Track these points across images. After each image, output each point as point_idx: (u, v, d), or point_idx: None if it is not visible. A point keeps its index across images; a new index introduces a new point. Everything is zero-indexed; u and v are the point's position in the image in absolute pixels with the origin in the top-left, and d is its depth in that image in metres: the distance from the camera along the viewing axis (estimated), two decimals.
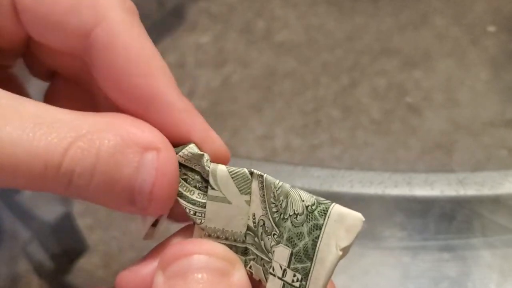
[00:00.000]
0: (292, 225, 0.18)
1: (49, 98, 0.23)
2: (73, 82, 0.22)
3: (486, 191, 0.40)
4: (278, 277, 0.19)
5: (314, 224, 0.18)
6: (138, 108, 0.19)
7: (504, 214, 0.40)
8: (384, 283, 0.40)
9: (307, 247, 0.18)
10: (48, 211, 0.55)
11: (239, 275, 0.19)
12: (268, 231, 0.19)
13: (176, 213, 0.20)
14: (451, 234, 0.40)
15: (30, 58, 0.23)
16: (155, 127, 0.19)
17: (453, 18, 0.79)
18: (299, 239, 0.18)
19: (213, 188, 0.19)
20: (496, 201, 0.40)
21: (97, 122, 0.18)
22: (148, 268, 0.20)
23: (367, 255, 0.41)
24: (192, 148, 0.20)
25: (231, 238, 0.20)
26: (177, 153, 0.19)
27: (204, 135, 0.20)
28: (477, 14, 0.79)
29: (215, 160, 0.20)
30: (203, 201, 0.20)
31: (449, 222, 0.40)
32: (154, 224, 0.21)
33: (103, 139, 0.17)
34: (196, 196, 0.20)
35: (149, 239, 0.21)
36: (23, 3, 0.19)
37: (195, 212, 0.20)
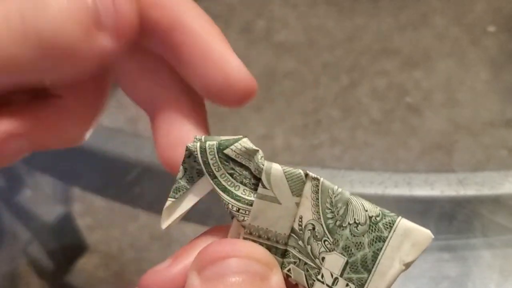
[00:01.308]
0: (351, 234, 0.18)
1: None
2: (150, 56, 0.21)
3: (486, 191, 0.40)
4: (327, 285, 0.18)
5: (377, 236, 0.17)
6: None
7: (504, 214, 0.40)
8: None
9: (366, 258, 0.18)
10: (48, 211, 0.55)
11: (277, 279, 0.18)
12: (319, 237, 0.18)
13: None
14: (451, 234, 0.40)
15: None
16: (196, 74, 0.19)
17: (453, 18, 0.79)
18: (357, 249, 0.18)
19: (264, 187, 0.19)
20: (496, 201, 0.40)
21: None
22: (176, 268, 0.19)
23: None
24: (246, 143, 0.19)
25: (273, 239, 0.19)
26: (228, 146, 0.19)
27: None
28: (477, 14, 0.79)
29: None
30: (249, 198, 0.19)
31: (449, 222, 0.40)
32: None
33: None
34: (241, 192, 0.19)
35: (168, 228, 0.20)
36: None
37: (239, 208, 0.19)
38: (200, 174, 0.19)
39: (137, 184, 0.47)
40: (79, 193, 0.58)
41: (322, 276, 0.18)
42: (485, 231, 0.40)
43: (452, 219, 0.41)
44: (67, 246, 0.56)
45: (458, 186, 0.40)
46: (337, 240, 0.18)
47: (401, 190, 0.40)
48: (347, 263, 0.18)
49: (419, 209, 0.40)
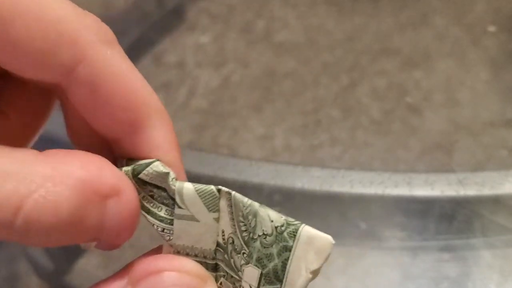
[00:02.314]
0: (262, 245, 0.18)
1: None
2: (29, 85, 0.21)
3: (486, 191, 0.40)
4: None
5: (283, 245, 0.17)
6: (119, 136, 0.20)
7: (504, 214, 0.40)
8: (384, 283, 0.40)
9: (276, 268, 0.18)
10: None
11: None
12: (238, 250, 0.19)
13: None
14: (451, 234, 0.40)
15: None
16: (130, 152, 0.20)
17: (453, 18, 0.79)
18: (268, 260, 0.18)
19: (180, 207, 0.19)
20: (496, 201, 0.40)
21: (48, 170, 0.17)
22: (117, 286, 0.19)
23: (367, 256, 0.41)
24: (157, 167, 0.19)
25: (200, 255, 0.19)
26: (141, 171, 0.19)
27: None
28: (477, 14, 0.79)
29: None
30: (171, 218, 0.19)
31: (449, 222, 0.40)
32: None
33: (59, 195, 0.16)
34: (163, 212, 0.19)
35: (88, 249, 0.20)
36: None
37: (163, 229, 0.19)
38: None
39: None
40: None
41: None
42: (485, 231, 0.40)
43: (452, 219, 0.41)
44: (67, 246, 0.56)
45: (458, 186, 0.40)
46: (251, 252, 0.18)
47: (401, 190, 0.40)
48: (261, 274, 0.18)
49: (419, 209, 0.40)
